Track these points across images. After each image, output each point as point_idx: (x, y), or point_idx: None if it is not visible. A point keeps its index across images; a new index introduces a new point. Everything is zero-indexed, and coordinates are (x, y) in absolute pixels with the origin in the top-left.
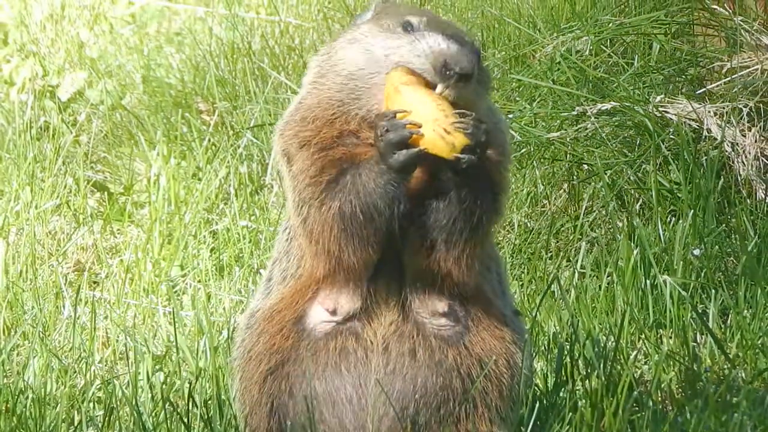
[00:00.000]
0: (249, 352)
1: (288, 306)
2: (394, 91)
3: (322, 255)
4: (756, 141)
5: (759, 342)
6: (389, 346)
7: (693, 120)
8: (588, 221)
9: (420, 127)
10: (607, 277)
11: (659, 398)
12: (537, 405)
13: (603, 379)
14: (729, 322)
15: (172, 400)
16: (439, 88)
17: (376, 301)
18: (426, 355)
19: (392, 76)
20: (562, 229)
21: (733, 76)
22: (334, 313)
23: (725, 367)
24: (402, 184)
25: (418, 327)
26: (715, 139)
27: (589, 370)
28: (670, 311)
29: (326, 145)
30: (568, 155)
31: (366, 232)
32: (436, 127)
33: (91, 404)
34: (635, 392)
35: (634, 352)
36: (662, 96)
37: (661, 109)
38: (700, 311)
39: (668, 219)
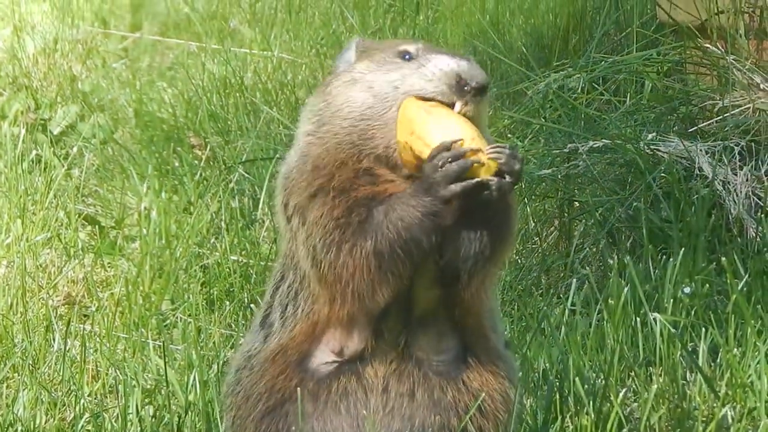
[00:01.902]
0: (247, 392)
1: (292, 348)
2: (425, 112)
3: (350, 298)
4: (747, 180)
5: (749, 380)
6: (389, 386)
7: (684, 158)
8: (579, 258)
9: (480, 152)
10: (598, 314)
11: None
12: None
13: (592, 416)
14: (719, 360)
15: None
16: (458, 106)
17: (381, 338)
18: (425, 394)
19: (410, 103)
20: (553, 266)
21: (724, 115)
22: (339, 353)
23: (715, 405)
24: (444, 214)
25: (419, 364)
26: (707, 177)
27: (578, 407)
28: (660, 349)
29: (346, 187)
30: (559, 192)
31: (402, 268)
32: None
33: None
34: (625, 430)
35: (624, 390)
36: (654, 134)
37: (652, 147)
38: (690, 349)
39: (659, 257)
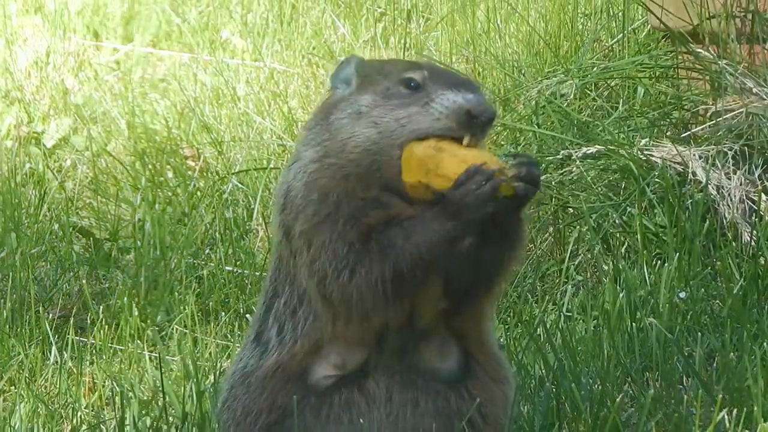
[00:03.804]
0: (246, 409)
1: (293, 364)
2: (435, 150)
3: (356, 318)
4: (741, 184)
5: (745, 385)
6: (392, 395)
7: (678, 163)
8: (573, 265)
9: (505, 168)
10: (593, 320)
11: None
12: None
13: (589, 422)
14: (715, 364)
15: None
16: (466, 139)
17: (383, 350)
18: (429, 402)
19: (414, 146)
20: (548, 272)
21: (717, 120)
22: (341, 367)
23: (712, 410)
24: (464, 237)
25: (423, 374)
26: (700, 182)
27: (575, 414)
28: (656, 354)
29: (356, 214)
30: (553, 199)
31: (416, 289)
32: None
33: None
34: None
35: (621, 395)
36: (647, 139)
37: (646, 152)
38: (686, 354)
39: (654, 262)
